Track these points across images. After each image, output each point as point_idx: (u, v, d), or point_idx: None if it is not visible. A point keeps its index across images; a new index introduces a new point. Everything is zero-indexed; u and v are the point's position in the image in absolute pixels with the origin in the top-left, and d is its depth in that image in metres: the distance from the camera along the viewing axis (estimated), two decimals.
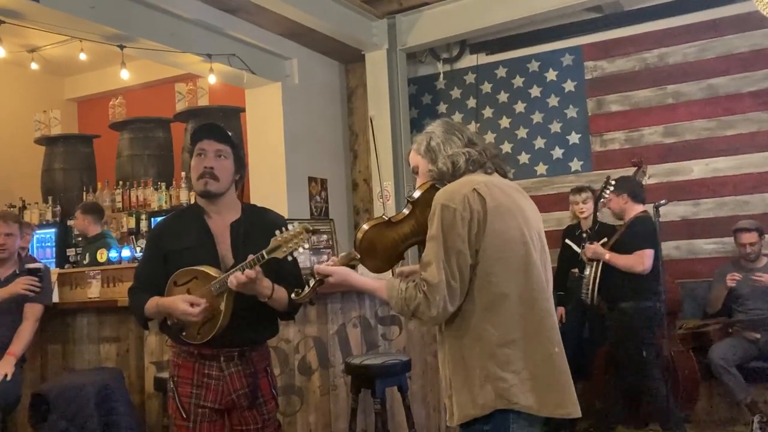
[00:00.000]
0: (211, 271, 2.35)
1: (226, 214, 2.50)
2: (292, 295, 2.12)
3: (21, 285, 3.69)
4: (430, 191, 2.07)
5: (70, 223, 5.43)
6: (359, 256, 2.08)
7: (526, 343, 1.93)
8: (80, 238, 5.56)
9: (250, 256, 2.27)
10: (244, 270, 2.26)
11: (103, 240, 5.20)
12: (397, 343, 4.06)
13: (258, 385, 2.48)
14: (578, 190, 5.06)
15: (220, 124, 2.52)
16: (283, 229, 2.24)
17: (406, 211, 2.12)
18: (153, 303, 2.43)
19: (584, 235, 4.99)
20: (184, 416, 2.44)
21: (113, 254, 4.34)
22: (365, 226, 2.10)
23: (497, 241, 1.93)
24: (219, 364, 2.43)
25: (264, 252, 2.24)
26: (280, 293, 2.38)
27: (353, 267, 2.13)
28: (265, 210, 2.62)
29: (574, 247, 5.00)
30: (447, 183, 2.05)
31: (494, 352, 1.92)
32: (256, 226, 2.39)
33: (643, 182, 4.84)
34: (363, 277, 2.13)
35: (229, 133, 2.51)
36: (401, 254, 2.13)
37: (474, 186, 1.97)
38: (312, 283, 2.09)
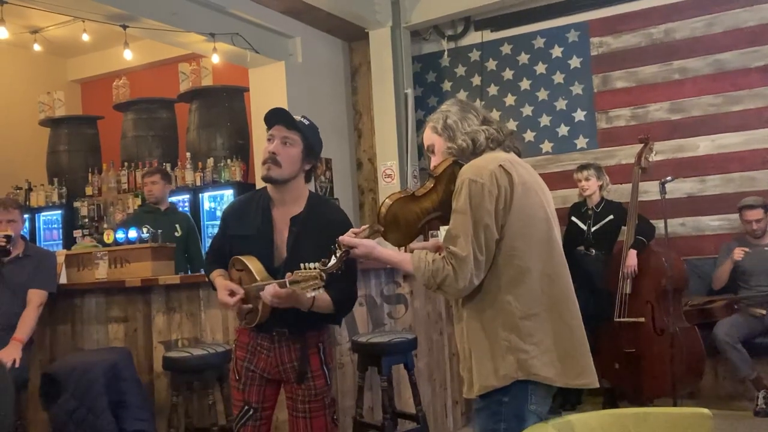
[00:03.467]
0: (255, 270, 2.42)
1: (290, 205, 2.53)
2: (319, 265, 2.13)
3: None
4: (453, 167, 2.09)
5: (150, 189, 4.83)
6: (383, 229, 2.08)
7: (547, 316, 1.98)
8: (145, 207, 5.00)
9: (289, 274, 2.26)
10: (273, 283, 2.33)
11: (178, 213, 5.04)
12: (403, 321, 4.08)
13: (308, 361, 2.54)
14: (581, 167, 5.06)
15: (291, 113, 2.52)
16: (309, 265, 2.16)
17: (429, 185, 2.12)
18: (214, 276, 2.63)
19: (590, 212, 4.99)
20: (237, 377, 2.59)
21: (120, 235, 4.35)
22: (388, 200, 2.10)
23: (522, 217, 1.98)
24: (271, 336, 2.53)
25: (287, 281, 2.24)
26: (322, 301, 2.41)
27: (373, 239, 2.15)
28: (327, 205, 2.62)
29: (580, 224, 5.01)
30: (467, 160, 2.07)
31: (516, 325, 1.96)
32: (314, 224, 2.32)
33: (650, 159, 4.83)
34: (387, 249, 2.15)
35: (305, 122, 2.51)
36: (421, 229, 2.14)
37: (500, 162, 2.01)
38: (339, 254, 2.09)
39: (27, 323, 3.76)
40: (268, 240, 2.50)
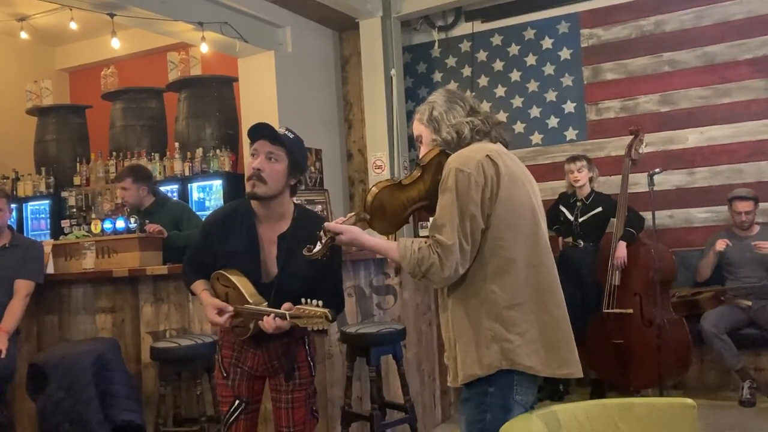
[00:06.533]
0: (248, 293, 2.41)
1: (276, 222, 2.51)
2: (304, 251, 2.12)
3: None
4: (440, 156, 2.09)
5: (122, 195, 4.63)
6: (369, 217, 2.08)
7: (532, 306, 1.99)
8: (126, 209, 4.76)
9: (283, 307, 2.31)
10: (275, 314, 2.33)
11: (168, 205, 4.67)
12: (391, 311, 4.08)
13: (294, 354, 2.57)
14: (573, 158, 5.06)
15: (277, 128, 2.48)
16: (311, 301, 2.23)
17: (416, 174, 2.12)
18: (197, 289, 2.60)
19: (578, 203, 5.01)
20: (224, 375, 2.59)
21: (107, 225, 4.32)
22: (375, 189, 2.10)
23: (508, 207, 1.99)
24: (257, 336, 2.50)
25: (287, 314, 2.28)
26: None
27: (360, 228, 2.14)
28: (314, 219, 2.57)
29: (567, 214, 5.03)
30: (454, 151, 2.07)
31: (501, 314, 1.97)
32: (302, 241, 2.26)
33: (640, 151, 4.85)
34: (373, 237, 2.15)
35: (290, 135, 2.47)
36: (407, 218, 2.15)
37: (487, 153, 2.02)
38: (324, 240, 2.09)
39: (13, 314, 3.74)
40: (255, 257, 2.48)
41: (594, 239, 4.95)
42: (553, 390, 4.85)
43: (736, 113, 5.40)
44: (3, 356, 3.59)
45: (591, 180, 5.01)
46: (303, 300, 2.24)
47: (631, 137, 4.86)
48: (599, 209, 4.94)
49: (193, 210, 5.23)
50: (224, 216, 2.60)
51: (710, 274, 4.93)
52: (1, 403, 3.73)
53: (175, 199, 5.49)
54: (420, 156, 2.17)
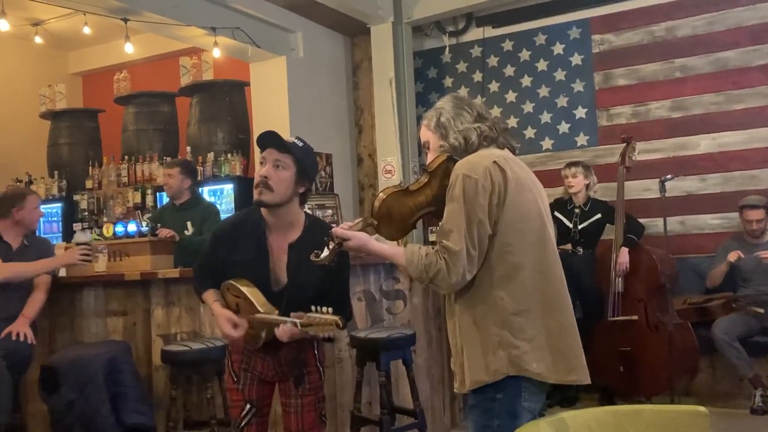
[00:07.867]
0: (258, 303, 2.41)
1: (286, 231, 2.50)
2: (312, 257, 2.11)
3: (77, 255, 3.82)
4: (447, 162, 2.09)
5: (166, 181, 4.74)
6: (376, 223, 2.08)
7: (539, 312, 1.99)
8: (168, 202, 4.88)
9: (293, 315, 2.31)
10: (287, 323, 2.32)
11: (202, 205, 4.77)
12: (401, 316, 4.08)
13: (304, 360, 2.58)
14: (569, 164, 5.08)
15: (288, 134, 2.50)
16: (321, 308, 2.22)
17: (424, 180, 2.12)
18: (208, 299, 2.60)
19: (576, 210, 5.00)
20: (235, 379, 2.59)
21: (119, 228, 4.35)
22: (382, 194, 2.10)
23: (515, 213, 1.99)
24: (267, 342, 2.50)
25: (298, 322, 2.27)
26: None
27: (367, 233, 2.14)
28: (326, 229, 2.49)
29: (566, 221, 5.02)
30: (461, 157, 2.08)
31: (508, 320, 1.97)
32: (312, 251, 2.21)
33: (633, 158, 4.84)
34: (380, 243, 2.15)
35: (299, 143, 2.46)
36: (415, 223, 2.15)
37: (494, 159, 2.02)
38: (331, 246, 2.09)
39: (35, 303, 3.84)
40: (264, 266, 2.48)
41: (592, 246, 4.95)
42: (563, 396, 4.84)
43: (748, 119, 5.37)
44: (30, 341, 3.69)
45: (588, 187, 5.00)
46: (313, 308, 2.23)
47: (623, 145, 4.87)
48: (598, 215, 4.94)
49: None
50: (234, 224, 2.61)
51: (720, 283, 4.89)
52: (14, 403, 3.76)
53: (208, 201, 5.53)
54: (427, 162, 2.18)
